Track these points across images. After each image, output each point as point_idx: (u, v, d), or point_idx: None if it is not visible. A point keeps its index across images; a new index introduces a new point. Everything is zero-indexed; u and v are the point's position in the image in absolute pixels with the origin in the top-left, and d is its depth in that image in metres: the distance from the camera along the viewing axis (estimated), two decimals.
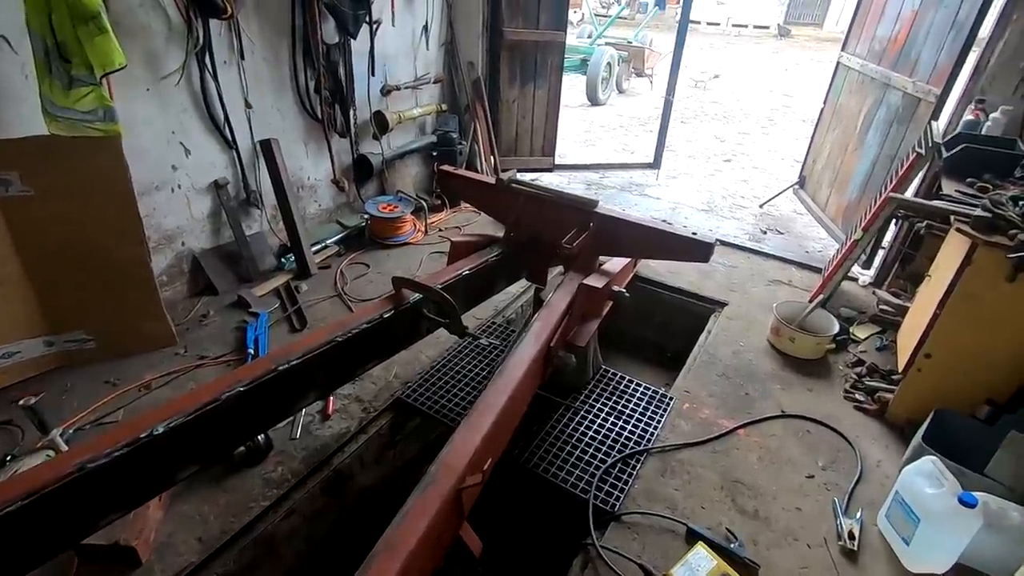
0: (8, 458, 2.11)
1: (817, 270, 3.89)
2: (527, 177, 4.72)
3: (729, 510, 2.15)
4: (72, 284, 2.50)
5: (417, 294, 1.93)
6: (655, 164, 5.79)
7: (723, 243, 4.20)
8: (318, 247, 3.64)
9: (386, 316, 1.83)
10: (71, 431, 2.24)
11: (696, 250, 2.14)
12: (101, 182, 2.41)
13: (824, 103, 4.86)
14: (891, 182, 3.21)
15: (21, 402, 2.06)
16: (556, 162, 5.32)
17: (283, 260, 3.48)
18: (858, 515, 2.11)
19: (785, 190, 5.24)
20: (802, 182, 5.18)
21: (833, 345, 3.04)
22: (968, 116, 3.17)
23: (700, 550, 1.70)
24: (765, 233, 4.68)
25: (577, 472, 2.26)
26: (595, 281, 2.04)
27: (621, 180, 5.69)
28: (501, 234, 2.50)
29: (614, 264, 2.50)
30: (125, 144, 2.40)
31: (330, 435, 2.38)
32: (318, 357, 1.63)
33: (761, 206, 5.24)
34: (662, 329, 3.77)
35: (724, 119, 9.20)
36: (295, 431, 2.35)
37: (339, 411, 2.50)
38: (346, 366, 1.76)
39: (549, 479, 2.23)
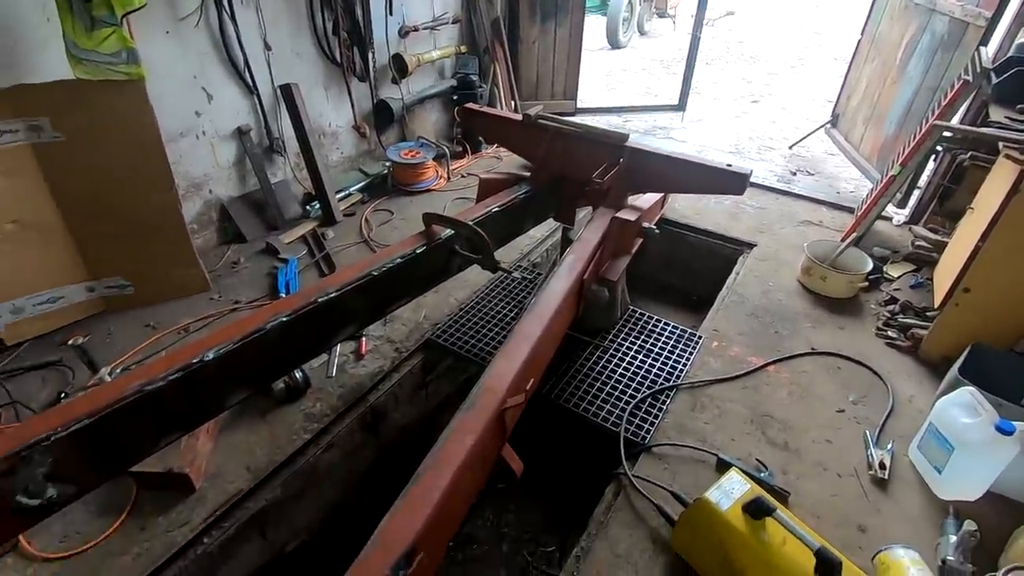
0: (62, 395, 2.21)
1: (849, 210, 3.78)
2: None
3: (759, 442, 2.17)
4: (109, 231, 2.54)
5: (449, 230, 1.93)
6: (680, 106, 5.60)
7: (752, 184, 4.09)
8: (342, 195, 3.64)
9: (419, 252, 1.84)
10: (118, 371, 2.33)
11: (731, 182, 2.09)
12: (129, 127, 2.41)
13: (861, 34, 4.60)
14: (933, 113, 3.07)
15: (71, 341, 2.14)
16: (578, 106, 5.17)
17: (308, 208, 3.49)
18: (889, 446, 2.12)
19: (816, 130, 5.04)
20: (834, 120, 4.98)
21: (866, 283, 2.98)
22: (1021, 39, 2.98)
23: (733, 474, 1.72)
24: (795, 174, 4.54)
25: (607, 407, 2.29)
26: (628, 215, 2.01)
27: (645, 123, 5.53)
28: (528, 173, 2.47)
29: (643, 201, 2.46)
30: (149, 89, 2.39)
31: (364, 374, 2.44)
32: (355, 290, 1.65)
33: (791, 147, 5.07)
34: (688, 273, 3.73)
35: (751, 59, 8.81)
36: (331, 370, 2.41)
37: (372, 351, 2.55)
38: (381, 300, 1.78)
39: (580, 414, 2.27)
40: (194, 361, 1.31)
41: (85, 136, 2.34)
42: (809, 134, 5.03)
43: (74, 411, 1.15)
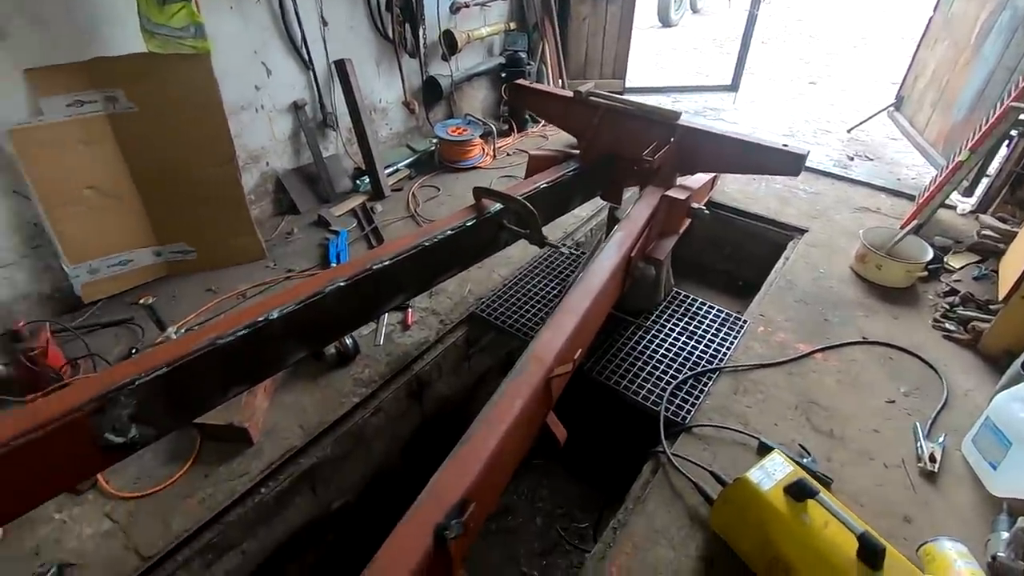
0: (133, 351, 2.37)
1: (909, 197, 3.62)
2: None
3: (803, 428, 2.15)
4: (174, 199, 2.68)
5: (498, 204, 1.95)
6: (733, 87, 5.43)
7: (806, 169, 3.96)
8: (390, 170, 3.71)
9: (469, 224, 1.87)
10: (182, 330, 2.47)
11: (786, 162, 2.04)
12: (195, 100, 2.52)
13: (934, 11, 4.34)
14: (1010, 95, 2.89)
15: (142, 300, 2.28)
16: (627, 85, 5.08)
17: (358, 182, 3.58)
18: (941, 439, 2.06)
19: (878, 113, 4.82)
20: (899, 103, 4.74)
21: (925, 273, 2.87)
22: None
23: (776, 456, 1.71)
24: (852, 159, 4.37)
25: (648, 386, 2.30)
26: (678, 193, 1.99)
27: (695, 104, 5.39)
28: (577, 151, 2.46)
29: (693, 181, 2.41)
30: (213, 63, 2.49)
31: (411, 343, 2.52)
32: (407, 259, 1.70)
33: (849, 131, 4.86)
34: (734, 257, 3.67)
35: (810, 38, 8.42)
36: (379, 338, 2.50)
37: (418, 322, 2.63)
38: (432, 270, 1.83)
39: (620, 391, 2.29)
40: (260, 319, 1.39)
41: (155, 107, 2.47)
42: (870, 117, 4.81)
43: (155, 359, 1.25)
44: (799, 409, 2.22)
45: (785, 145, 2.05)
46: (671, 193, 1.98)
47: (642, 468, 2.06)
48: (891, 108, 4.79)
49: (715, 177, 2.88)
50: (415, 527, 0.97)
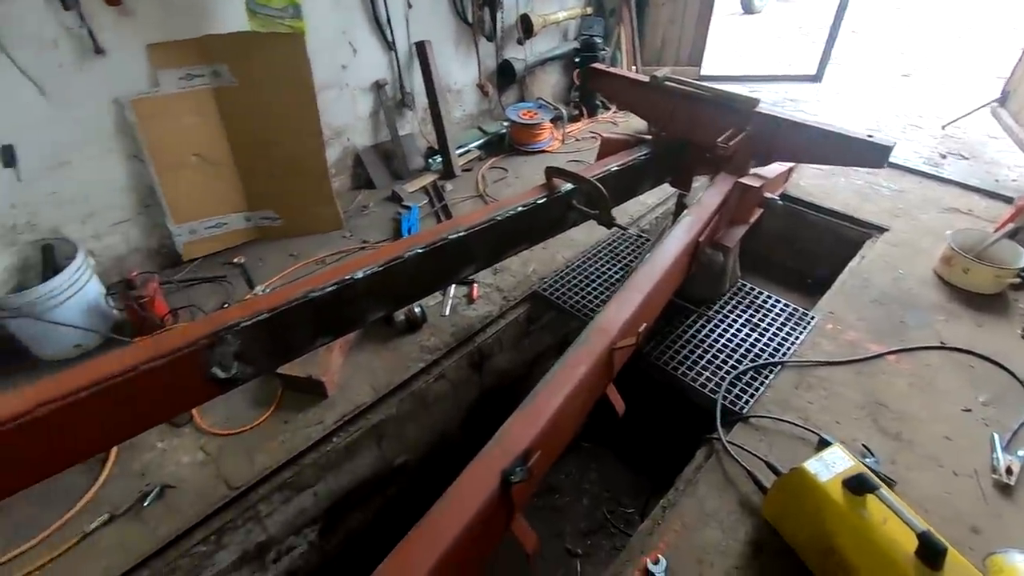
0: (224, 305, 2.60)
1: (1007, 200, 3.38)
2: None
3: (868, 429, 2.09)
4: (264, 169, 2.89)
5: (568, 184, 2.01)
6: (816, 77, 5.18)
7: (891, 165, 3.77)
8: (461, 151, 3.82)
9: (539, 202, 1.94)
10: (267, 289, 2.69)
11: (869, 153, 1.97)
12: (289, 77, 2.70)
13: None
14: None
15: (235, 260, 2.50)
16: (703, 72, 4.96)
17: (430, 161, 3.71)
18: (1021, 452, 1.96)
19: (979, 108, 4.48)
20: (1004, 99, 4.38)
21: (1017, 280, 2.69)
22: None
23: (836, 449, 1.69)
24: (945, 157, 4.09)
25: (707, 374, 2.30)
26: (751, 181, 1.97)
27: (775, 94, 5.19)
28: (649, 136, 2.47)
29: (767, 170, 2.37)
30: (306, 42, 2.65)
31: (475, 317, 2.62)
32: (480, 232, 1.79)
33: (944, 127, 4.55)
34: (805, 253, 3.55)
35: (906, 27, 7.87)
36: (445, 309, 2.62)
37: (482, 297, 2.73)
38: (501, 244, 1.91)
39: (678, 377, 2.31)
40: (347, 277, 1.52)
41: (253, 82, 2.67)
42: (969, 113, 4.48)
43: (258, 306, 1.40)
44: (865, 409, 2.17)
45: (870, 135, 1.98)
46: (744, 180, 1.96)
47: (695, 453, 2.08)
48: (994, 104, 4.44)
49: (791, 169, 2.80)
50: (483, 469, 1.06)
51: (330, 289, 1.49)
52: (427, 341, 2.48)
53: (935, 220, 3.27)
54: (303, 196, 3.02)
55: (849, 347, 2.43)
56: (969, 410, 2.16)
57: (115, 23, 2.38)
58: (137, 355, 1.25)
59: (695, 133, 2.32)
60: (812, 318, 2.56)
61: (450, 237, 1.71)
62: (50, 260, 2.39)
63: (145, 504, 1.85)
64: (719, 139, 2.06)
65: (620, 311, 1.45)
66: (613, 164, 2.18)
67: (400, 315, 2.49)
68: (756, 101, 2.18)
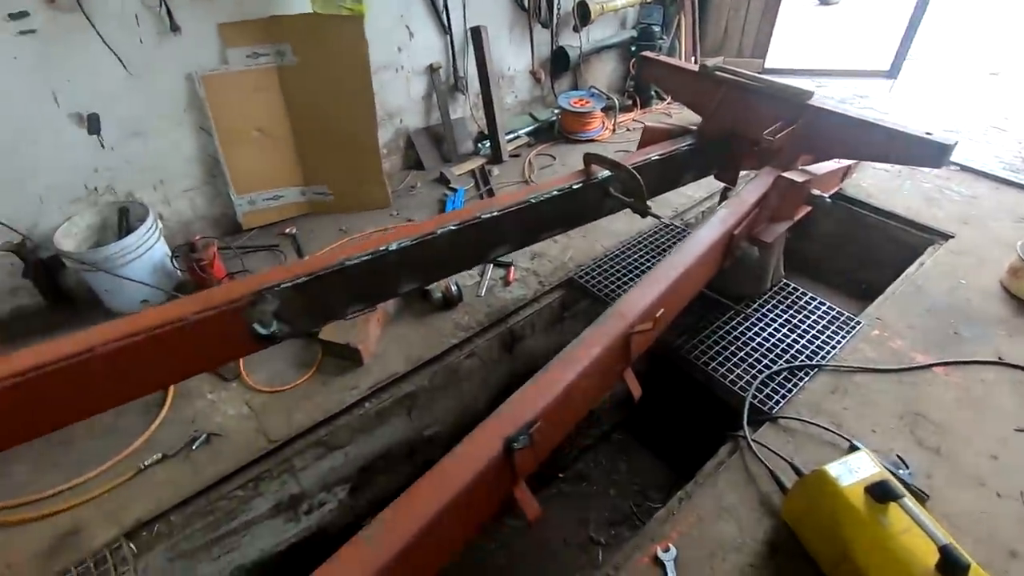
0: None
1: None
2: None
3: (905, 440, 2.01)
4: (320, 145, 3.03)
5: (606, 171, 2.01)
6: (891, 73, 4.89)
7: (966, 169, 3.53)
8: (511, 136, 3.86)
9: (575, 188, 1.96)
10: None
11: (925, 152, 1.88)
12: (347, 57, 2.81)
13: None
14: None
15: (288, 230, 2.65)
16: (766, 66, 4.78)
17: (479, 145, 3.77)
18: None
19: None
20: None
21: None
22: None
23: (863, 455, 1.64)
24: None
25: (738, 372, 2.27)
26: (795, 176, 1.92)
27: (843, 90, 4.94)
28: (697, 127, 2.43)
29: (819, 167, 2.29)
30: (364, 25, 2.75)
31: (509, 299, 2.68)
32: (514, 213, 1.83)
33: None
34: (860, 258, 3.39)
35: (998, 22, 7.26)
36: (481, 290, 2.69)
37: (518, 280, 2.78)
38: (535, 227, 1.95)
39: (708, 372, 2.28)
40: (381, 248, 1.60)
41: (313, 62, 2.80)
42: None
43: (297, 270, 1.50)
44: (903, 420, 2.08)
45: (928, 133, 1.88)
46: (788, 175, 1.91)
47: (718, 449, 2.06)
48: None
49: (849, 167, 2.69)
50: (488, 433, 1.12)
51: (364, 259, 1.57)
52: (461, 319, 2.56)
53: (1008, 230, 3.05)
54: (355, 173, 3.15)
55: (893, 355, 2.33)
56: (1023, 431, 2.03)
57: (191, 2, 2.56)
58: (188, 306, 1.37)
59: (743, 125, 2.27)
60: (857, 323, 2.47)
61: (483, 216, 1.76)
62: (125, 221, 2.61)
63: (193, 448, 2.02)
64: (765, 132, 2.01)
65: (641, 297, 1.46)
66: (654, 153, 2.16)
67: (437, 292, 2.57)
68: (809, 94, 2.11)
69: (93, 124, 2.50)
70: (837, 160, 2.54)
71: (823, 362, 2.28)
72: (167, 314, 1.34)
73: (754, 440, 1.99)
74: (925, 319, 2.51)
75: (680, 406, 3.07)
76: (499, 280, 2.76)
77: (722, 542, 1.75)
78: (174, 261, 2.60)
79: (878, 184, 3.42)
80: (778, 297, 2.64)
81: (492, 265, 2.82)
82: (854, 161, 2.64)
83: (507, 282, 2.74)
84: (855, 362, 2.30)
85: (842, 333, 2.42)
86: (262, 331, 1.49)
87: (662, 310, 1.41)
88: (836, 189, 2.76)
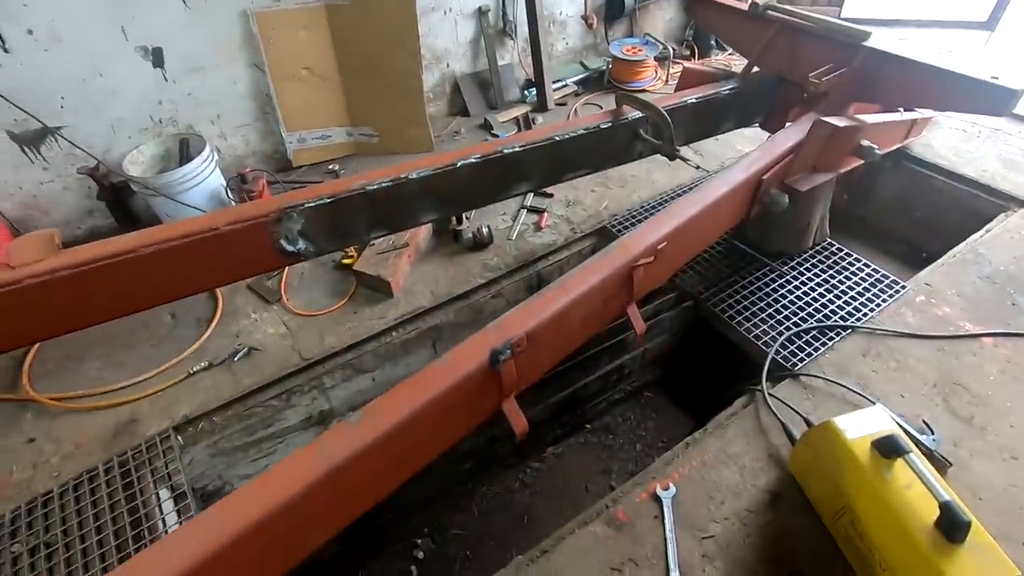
0: None
1: None
2: None
3: (935, 408, 1.93)
4: (366, 87, 3.10)
5: (637, 112, 1.97)
6: (988, 24, 4.40)
7: None
8: (558, 85, 3.80)
9: (603, 127, 1.93)
10: None
11: (988, 98, 1.72)
12: None
13: None
14: None
15: (332, 167, 2.76)
16: (842, 15, 4.41)
17: (526, 93, 3.74)
18: None
19: None
20: None
21: None
22: None
23: (878, 410, 1.59)
24: None
25: (764, 327, 2.22)
26: (838, 121, 1.81)
27: (930, 43, 4.50)
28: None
29: (872, 117, 2.14)
30: None
31: (539, 244, 2.70)
32: (537, 150, 1.84)
33: None
34: (923, 224, 3.17)
35: None
36: (512, 233, 2.72)
37: (550, 227, 2.79)
38: (560, 165, 1.94)
39: (732, 325, 2.25)
40: (401, 176, 1.65)
41: (361, 1, 2.83)
42: None
43: (321, 191, 1.58)
44: (937, 388, 1.99)
45: (995, 77, 1.72)
46: (830, 119, 1.80)
47: (733, 401, 2.05)
48: None
49: (915, 122, 2.50)
50: (475, 345, 1.18)
51: (385, 185, 1.64)
52: (490, 260, 2.61)
53: None
54: (399, 116, 3.21)
55: (937, 322, 2.20)
56: None
57: None
58: (222, 217, 1.49)
59: (792, 69, 2.14)
60: (902, 287, 2.34)
61: (505, 151, 1.78)
62: (185, 152, 2.80)
63: (235, 359, 2.21)
64: (811, 74, 1.89)
65: (649, 232, 1.46)
66: (691, 96, 2.09)
67: (468, 233, 2.63)
68: (865, 34, 1.96)
69: (157, 58, 2.67)
70: (901, 112, 2.37)
71: (858, 324, 2.20)
72: (202, 223, 1.46)
73: (771, 394, 1.97)
74: (980, 288, 2.34)
75: (712, 367, 3.04)
76: (531, 225, 2.78)
77: (722, 486, 1.77)
78: (228, 191, 2.78)
79: (951, 144, 3.15)
80: (819, 257, 2.53)
81: (525, 210, 2.84)
82: (921, 115, 2.45)
83: (539, 227, 2.76)
84: (892, 326, 2.19)
85: (883, 297, 2.31)
86: (288, 247, 1.60)
87: (664, 243, 1.40)
88: (897, 146, 2.58)
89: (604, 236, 2.75)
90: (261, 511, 0.87)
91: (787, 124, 2.38)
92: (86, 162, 2.63)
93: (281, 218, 1.54)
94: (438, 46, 3.43)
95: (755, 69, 2.28)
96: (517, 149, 1.80)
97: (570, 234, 2.75)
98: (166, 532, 1.73)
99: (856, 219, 3.33)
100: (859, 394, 1.95)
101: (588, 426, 3.64)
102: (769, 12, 2.18)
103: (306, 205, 1.56)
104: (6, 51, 2.34)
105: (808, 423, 1.81)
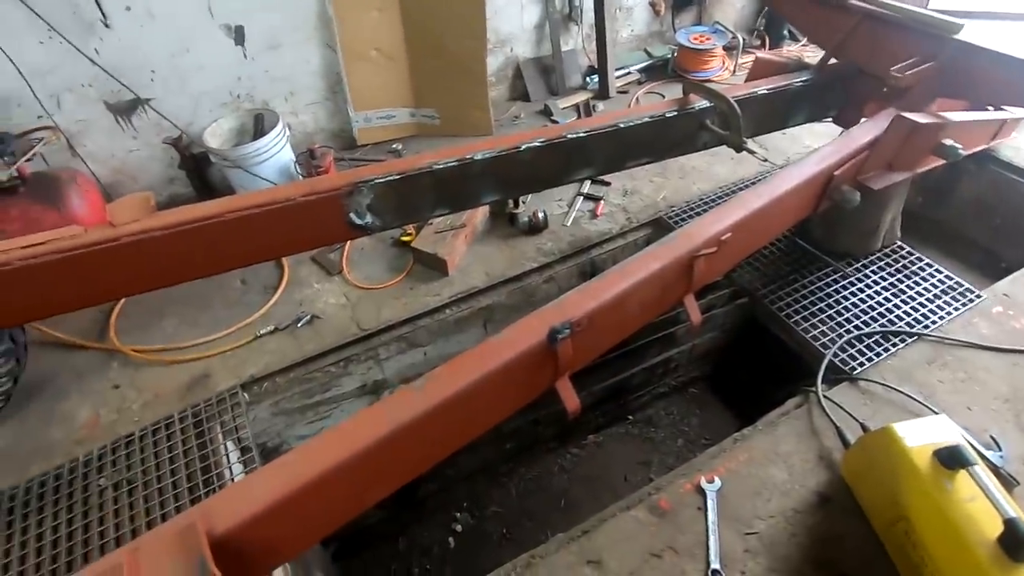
0: None
1: None
2: None
3: (1006, 423, 1.84)
4: (431, 68, 3.16)
5: (705, 102, 1.94)
6: None
7: None
8: (621, 72, 3.75)
9: (668, 116, 1.92)
10: None
11: None
12: None
13: None
14: None
15: (395, 146, 2.84)
16: (929, 5, 4.14)
17: (587, 80, 3.71)
18: None
19: None
20: None
21: None
22: None
23: (942, 419, 1.54)
24: None
25: (823, 328, 2.16)
26: (918, 117, 1.73)
27: None
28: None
29: (957, 115, 2.03)
30: None
31: (594, 231, 2.70)
32: (601, 136, 1.84)
33: None
34: (1005, 232, 2.98)
35: None
36: (568, 219, 2.74)
37: (606, 215, 2.78)
38: (622, 152, 1.94)
39: (789, 325, 2.20)
40: (467, 156, 1.70)
41: None
42: None
43: (390, 168, 1.65)
44: (1009, 403, 1.89)
45: None
46: (910, 115, 1.73)
47: (785, 400, 2.01)
48: None
49: (1005, 123, 2.35)
50: (536, 321, 1.21)
51: (451, 164, 1.69)
52: (544, 245, 2.64)
53: None
54: (462, 99, 3.26)
55: (1014, 335, 2.09)
56: None
57: None
58: (298, 189, 1.58)
59: (872, 62, 2.06)
60: (977, 296, 2.23)
61: (568, 136, 1.80)
62: (259, 127, 2.94)
63: (299, 325, 2.33)
64: (893, 68, 1.81)
65: (714, 221, 1.45)
66: (762, 87, 2.04)
67: (524, 217, 2.66)
68: (956, 26, 1.85)
69: (239, 35, 2.80)
70: (990, 111, 2.23)
71: (924, 331, 2.11)
72: (279, 193, 1.55)
73: (826, 396, 1.92)
74: None
75: (763, 367, 2.98)
76: (587, 212, 2.79)
77: (769, 484, 1.75)
78: (296, 166, 2.90)
79: None
80: (887, 259, 2.43)
81: (582, 197, 2.85)
82: (1013, 116, 2.30)
83: (595, 215, 2.76)
84: (964, 336, 2.09)
85: (955, 305, 2.20)
86: (357, 220, 1.67)
87: (729, 234, 1.39)
88: (983, 147, 2.43)
89: (660, 227, 2.73)
90: (333, 460, 0.94)
91: (863, 119, 2.30)
92: (171, 133, 2.81)
93: (352, 192, 1.61)
94: (503, 30, 3.45)
95: (831, 61, 2.20)
96: (581, 134, 1.81)
97: (626, 223, 2.74)
98: (232, 480, 1.86)
99: (930, 222, 3.16)
100: (922, 403, 1.88)
101: (631, 417, 3.64)
102: (852, 1, 2.09)
103: (376, 181, 1.63)
104: (107, 26, 2.51)
105: (864, 428, 1.77)
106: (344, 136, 3.35)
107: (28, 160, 2.43)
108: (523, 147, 1.75)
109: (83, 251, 1.39)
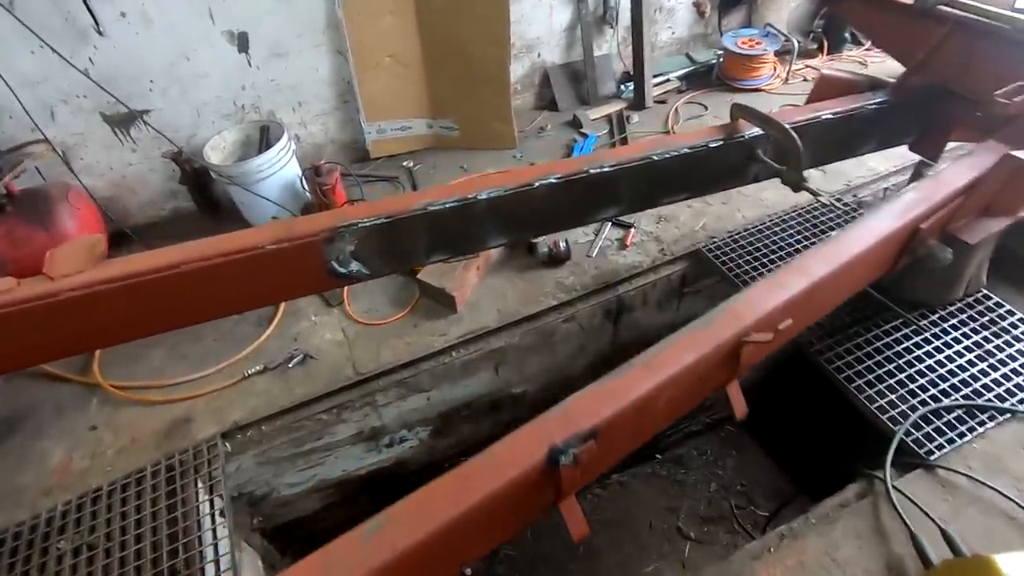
0: None
1: None
2: None
3: None
4: (450, 76, 2.92)
5: (757, 129, 1.63)
6: None
7: None
8: (660, 79, 3.42)
9: (712, 146, 1.61)
10: None
11: None
12: None
13: None
14: None
15: (405, 163, 2.61)
16: (1017, 4, 3.66)
17: (622, 87, 3.40)
18: None
19: None
20: None
21: None
22: None
23: None
24: None
25: (892, 398, 1.82)
26: None
27: None
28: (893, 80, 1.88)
29: None
30: None
31: (622, 264, 2.41)
32: (629, 171, 1.56)
33: None
34: None
35: None
36: (592, 250, 2.45)
37: (636, 245, 2.49)
38: (656, 188, 1.65)
39: (851, 390, 1.86)
40: (469, 196, 1.44)
41: None
42: None
43: (379, 209, 1.40)
44: None
45: None
46: (1020, 154, 1.38)
47: (846, 486, 1.69)
48: None
49: None
50: (532, 437, 0.94)
51: (450, 205, 1.43)
52: (566, 279, 2.36)
53: None
54: (482, 109, 3.00)
55: None
56: None
57: None
58: (271, 234, 1.34)
59: (964, 80, 1.70)
60: None
61: (591, 171, 1.52)
62: (265, 139, 2.74)
63: (290, 365, 2.12)
64: (997, 92, 1.46)
65: (767, 296, 1.15)
66: (827, 111, 1.71)
67: (544, 247, 2.39)
68: None
69: (242, 42, 2.60)
70: None
71: (1020, 407, 1.74)
72: (248, 239, 1.33)
73: (895, 487, 1.59)
74: None
75: (809, 412, 2.65)
76: (615, 241, 2.49)
77: None
78: (303, 182, 2.70)
79: None
80: (971, 312, 2.06)
81: (609, 224, 2.55)
82: None
83: (624, 245, 2.46)
84: None
85: None
86: (340, 269, 1.44)
87: (789, 320, 1.09)
88: None
89: (698, 261, 2.41)
90: None
91: (948, 147, 1.95)
92: (171, 146, 2.64)
93: (333, 238, 1.37)
94: (530, 33, 3.17)
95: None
96: (606, 169, 1.53)
97: (658, 255, 2.43)
98: (200, 542, 1.67)
99: (1013, 259, 2.74)
100: (1019, 505, 1.54)
101: (659, 456, 3.35)
102: (941, 7, 1.73)
103: (361, 224, 1.38)
104: (101, 33, 2.35)
105: (948, 540, 1.43)
106: (356, 148, 3.14)
107: (16, 177, 2.29)
108: (536, 184, 1.48)
109: (12, 309, 1.19)
